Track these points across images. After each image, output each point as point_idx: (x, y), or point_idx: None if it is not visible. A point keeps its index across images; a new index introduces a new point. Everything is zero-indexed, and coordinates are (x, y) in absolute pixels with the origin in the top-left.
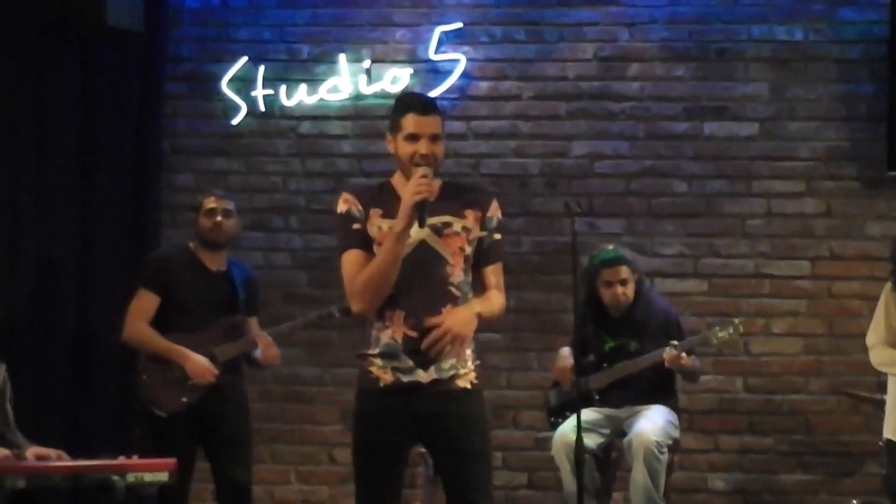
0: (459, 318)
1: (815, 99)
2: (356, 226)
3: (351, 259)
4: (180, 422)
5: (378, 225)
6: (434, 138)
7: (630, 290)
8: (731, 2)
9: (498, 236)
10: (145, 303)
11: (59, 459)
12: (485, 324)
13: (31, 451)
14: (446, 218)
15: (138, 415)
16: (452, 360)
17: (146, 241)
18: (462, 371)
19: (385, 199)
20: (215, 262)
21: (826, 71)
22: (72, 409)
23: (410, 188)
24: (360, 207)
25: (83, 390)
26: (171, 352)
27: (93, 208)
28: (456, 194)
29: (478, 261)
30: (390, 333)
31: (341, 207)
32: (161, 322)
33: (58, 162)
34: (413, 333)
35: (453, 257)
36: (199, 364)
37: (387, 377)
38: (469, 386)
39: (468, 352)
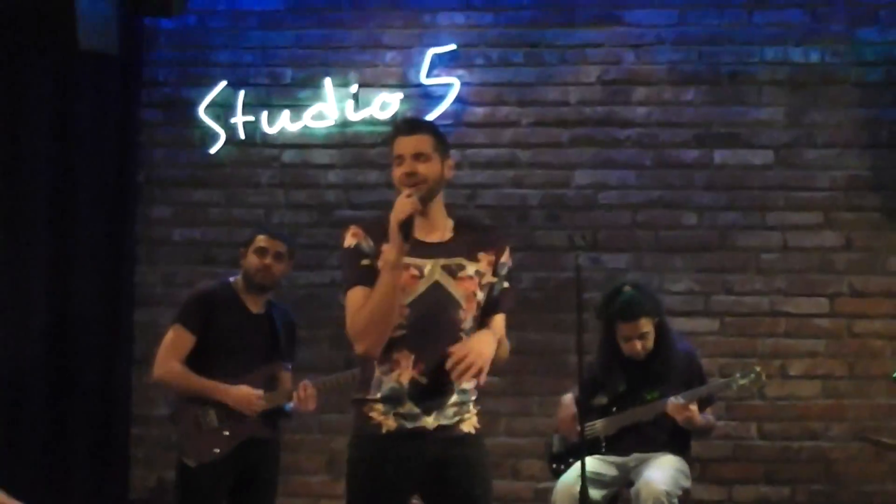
0: (482, 340)
1: (835, 125)
2: (365, 262)
3: (356, 296)
4: (211, 473)
5: None
6: (418, 157)
7: (650, 341)
8: (743, 22)
9: (506, 284)
10: (180, 341)
11: None
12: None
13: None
14: (460, 260)
15: (175, 462)
16: (456, 407)
17: (121, 279)
18: (466, 416)
19: None
20: (257, 304)
21: (845, 95)
22: (46, 462)
23: (394, 210)
24: (371, 242)
25: (58, 434)
26: (209, 389)
27: (67, 242)
28: (469, 235)
29: (485, 309)
30: (396, 376)
31: (349, 241)
32: (196, 366)
33: (32, 194)
34: (422, 379)
35: (466, 301)
36: (243, 393)
37: (389, 423)
38: (473, 430)
39: (472, 398)
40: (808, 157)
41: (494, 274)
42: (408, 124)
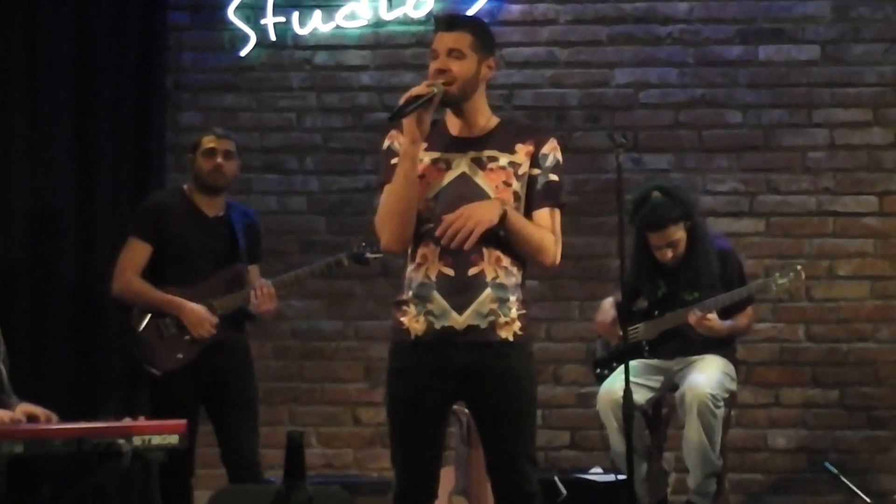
0: (481, 205)
1: (882, 19)
2: (395, 160)
3: (384, 194)
4: (179, 381)
5: (421, 158)
6: (450, 52)
7: (681, 248)
8: None
9: (554, 177)
10: (136, 253)
11: (46, 421)
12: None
13: (21, 409)
14: (493, 152)
15: (145, 374)
16: (492, 306)
17: (149, 186)
18: (503, 319)
19: (435, 134)
20: (213, 208)
21: None
22: (73, 368)
23: (410, 91)
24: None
25: (85, 348)
26: (165, 303)
27: (92, 152)
28: (509, 129)
29: (527, 203)
30: (424, 271)
31: (385, 143)
32: (155, 275)
33: (53, 102)
34: (448, 271)
35: (497, 192)
36: (196, 313)
37: (418, 326)
38: (512, 337)
39: (511, 298)
40: (855, 53)
41: (534, 165)
42: (447, 20)
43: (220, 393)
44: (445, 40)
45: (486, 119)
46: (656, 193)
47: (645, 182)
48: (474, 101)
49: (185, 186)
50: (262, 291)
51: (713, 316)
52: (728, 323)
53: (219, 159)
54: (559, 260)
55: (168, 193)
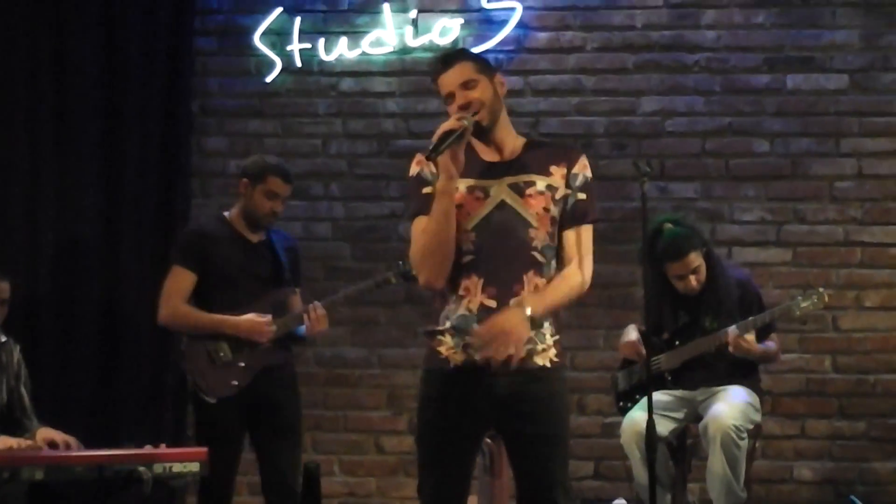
0: (510, 322)
1: None
2: (427, 189)
3: (418, 226)
4: (227, 407)
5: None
6: (465, 85)
7: (703, 274)
8: None
9: (583, 196)
10: (181, 281)
11: (65, 447)
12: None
13: (41, 435)
14: (530, 177)
15: (191, 400)
16: (530, 334)
17: (175, 212)
18: (540, 346)
19: (466, 160)
20: (255, 235)
21: None
22: (97, 394)
23: (442, 126)
24: (433, 169)
25: (108, 373)
26: (217, 323)
27: (118, 177)
28: (540, 151)
29: (560, 223)
30: (465, 304)
31: (413, 170)
32: (200, 303)
33: (80, 126)
34: (491, 303)
35: (537, 220)
36: (250, 322)
37: (457, 357)
38: (549, 364)
39: (546, 324)
40: (884, 81)
41: (567, 186)
42: (443, 59)
43: (268, 419)
44: (451, 78)
45: (514, 140)
46: (668, 225)
47: (670, 211)
48: (502, 123)
49: (227, 214)
50: (315, 314)
51: (751, 337)
52: (767, 344)
53: (277, 207)
54: (589, 281)
55: (208, 220)
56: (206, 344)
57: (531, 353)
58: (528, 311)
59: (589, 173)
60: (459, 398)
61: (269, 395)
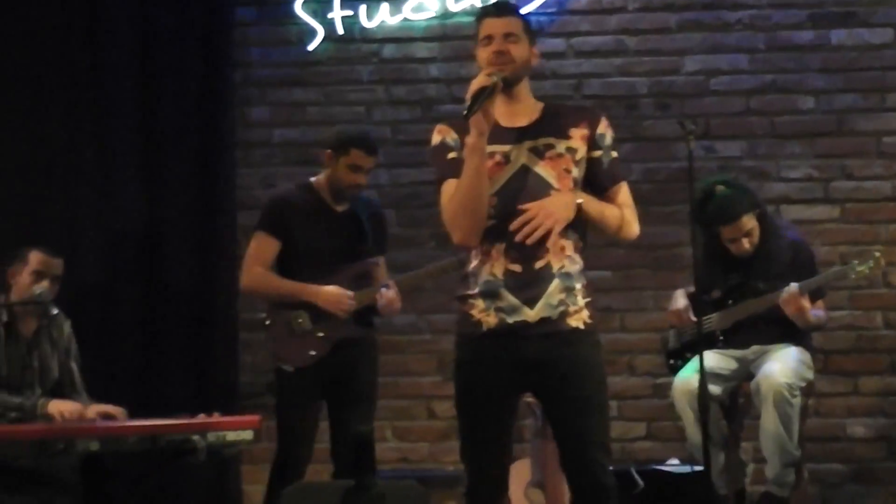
0: (557, 201)
1: None
2: (452, 154)
3: (448, 189)
4: (306, 377)
5: None
6: (508, 36)
7: (756, 236)
8: None
9: (615, 154)
10: (264, 247)
11: (121, 418)
12: (595, 258)
13: (93, 409)
14: (548, 139)
15: (272, 369)
16: (561, 296)
17: (218, 183)
18: (572, 308)
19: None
20: (340, 204)
21: None
22: (146, 370)
23: (471, 85)
24: (455, 135)
25: (158, 346)
26: (298, 291)
27: (159, 149)
28: (559, 115)
29: (599, 184)
30: (489, 268)
31: (435, 139)
32: (282, 272)
33: (117, 99)
34: (515, 267)
35: (559, 181)
36: (332, 293)
37: (490, 319)
38: (582, 325)
39: (577, 286)
40: None
41: (594, 147)
42: (497, 6)
43: (343, 389)
44: (499, 24)
45: (532, 105)
46: (720, 187)
47: (716, 171)
48: (523, 88)
49: (314, 180)
50: (384, 297)
51: (807, 302)
52: (818, 313)
53: (360, 179)
54: (637, 233)
55: (294, 188)
56: (287, 313)
57: (563, 316)
58: (580, 200)
59: (612, 132)
60: (492, 361)
61: (348, 367)
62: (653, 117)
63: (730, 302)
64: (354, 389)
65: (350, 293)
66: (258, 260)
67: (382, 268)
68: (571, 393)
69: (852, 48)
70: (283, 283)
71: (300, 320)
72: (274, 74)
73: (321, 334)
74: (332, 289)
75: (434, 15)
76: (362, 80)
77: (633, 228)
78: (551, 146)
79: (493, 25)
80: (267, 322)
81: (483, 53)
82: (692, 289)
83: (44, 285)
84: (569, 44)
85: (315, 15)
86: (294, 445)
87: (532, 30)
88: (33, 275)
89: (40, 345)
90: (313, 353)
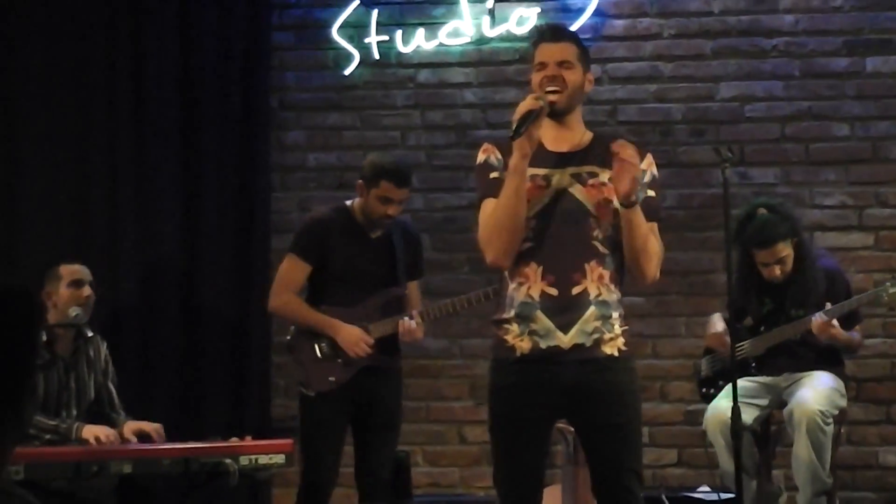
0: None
1: None
2: (494, 174)
3: (486, 208)
4: (330, 402)
5: None
6: (562, 64)
7: (788, 265)
8: None
9: (651, 193)
10: (295, 271)
11: (156, 435)
12: (628, 284)
13: (128, 427)
14: (593, 168)
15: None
16: (596, 324)
17: (255, 206)
18: (608, 336)
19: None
20: (374, 230)
21: None
22: (180, 392)
23: (519, 107)
24: (499, 156)
25: (193, 369)
26: (321, 323)
27: (197, 173)
28: (606, 144)
29: None
30: (526, 290)
31: (480, 158)
32: (314, 293)
33: (158, 121)
34: (552, 290)
35: (598, 209)
36: (352, 334)
37: (524, 345)
38: (616, 353)
39: (614, 314)
40: None
41: None
42: (553, 31)
43: (368, 415)
44: (553, 50)
45: (582, 134)
46: (762, 210)
47: (750, 197)
48: (575, 115)
49: (350, 203)
50: (404, 327)
51: (837, 325)
52: (853, 333)
53: (391, 211)
54: (658, 276)
55: (332, 211)
56: (312, 337)
57: (598, 343)
58: (646, 195)
59: (655, 170)
60: (527, 387)
61: (372, 394)
62: (687, 143)
63: (762, 329)
64: (378, 416)
65: (369, 338)
66: (289, 283)
67: (416, 293)
68: (606, 419)
69: (888, 75)
70: (308, 313)
71: (323, 346)
72: (310, 99)
73: (341, 360)
74: (351, 330)
75: (470, 40)
76: (398, 105)
77: (655, 267)
78: (595, 174)
79: (548, 52)
80: (292, 346)
81: (535, 78)
82: (727, 315)
83: (85, 293)
84: (604, 69)
85: (351, 40)
86: (318, 470)
87: (587, 55)
88: (71, 286)
89: (77, 365)
90: (333, 378)
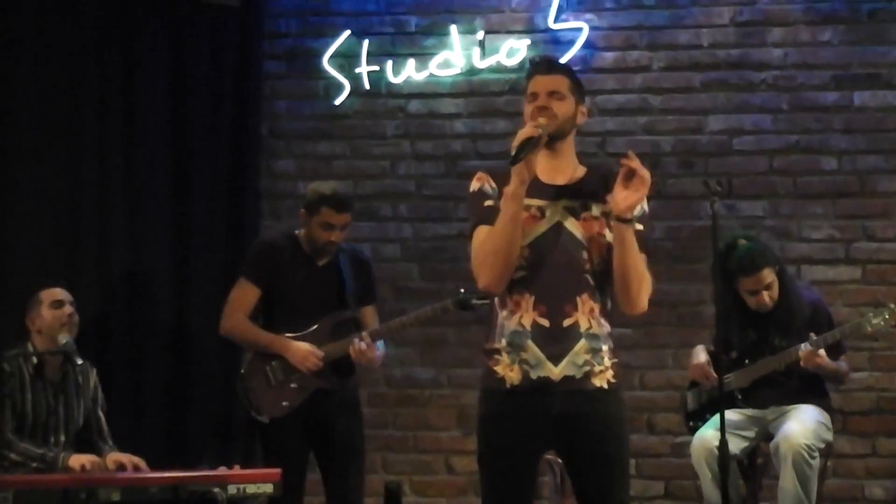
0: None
1: None
2: (488, 202)
3: (480, 234)
4: (288, 428)
5: None
6: (552, 94)
7: (775, 291)
8: None
9: (639, 227)
10: (246, 294)
11: (133, 469)
12: (617, 315)
13: (110, 458)
14: (586, 201)
15: (248, 421)
16: (587, 356)
17: (245, 233)
18: (597, 368)
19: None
20: (321, 257)
21: None
22: (170, 416)
23: (519, 134)
24: (494, 185)
25: (181, 396)
26: (270, 343)
27: (187, 200)
28: (600, 178)
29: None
30: (517, 319)
31: (474, 186)
32: (264, 318)
33: (149, 148)
34: (543, 321)
35: (590, 243)
36: (300, 349)
37: (513, 375)
38: (606, 385)
39: (604, 347)
40: None
41: None
42: (546, 63)
43: (328, 439)
44: (545, 82)
45: (575, 167)
46: (742, 241)
47: (738, 230)
48: (567, 146)
49: (298, 232)
50: (355, 348)
51: (823, 353)
52: (839, 363)
53: (333, 237)
54: (645, 308)
55: (279, 237)
56: (264, 362)
57: (588, 375)
58: (639, 228)
59: (646, 205)
60: (516, 418)
61: (328, 418)
62: (676, 175)
63: (746, 361)
64: (336, 440)
65: (319, 352)
66: (240, 306)
67: (372, 319)
68: (594, 449)
69: (876, 109)
70: (258, 334)
71: (275, 373)
72: (301, 127)
73: (294, 385)
74: (300, 345)
75: (460, 71)
76: (388, 135)
77: (644, 294)
78: (587, 208)
79: (540, 83)
80: (242, 371)
81: (527, 108)
82: (711, 347)
83: (67, 311)
84: (593, 102)
85: (342, 70)
86: (284, 497)
87: (581, 88)
88: (52, 307)
89: (66, 390)
90: (285, 403)
